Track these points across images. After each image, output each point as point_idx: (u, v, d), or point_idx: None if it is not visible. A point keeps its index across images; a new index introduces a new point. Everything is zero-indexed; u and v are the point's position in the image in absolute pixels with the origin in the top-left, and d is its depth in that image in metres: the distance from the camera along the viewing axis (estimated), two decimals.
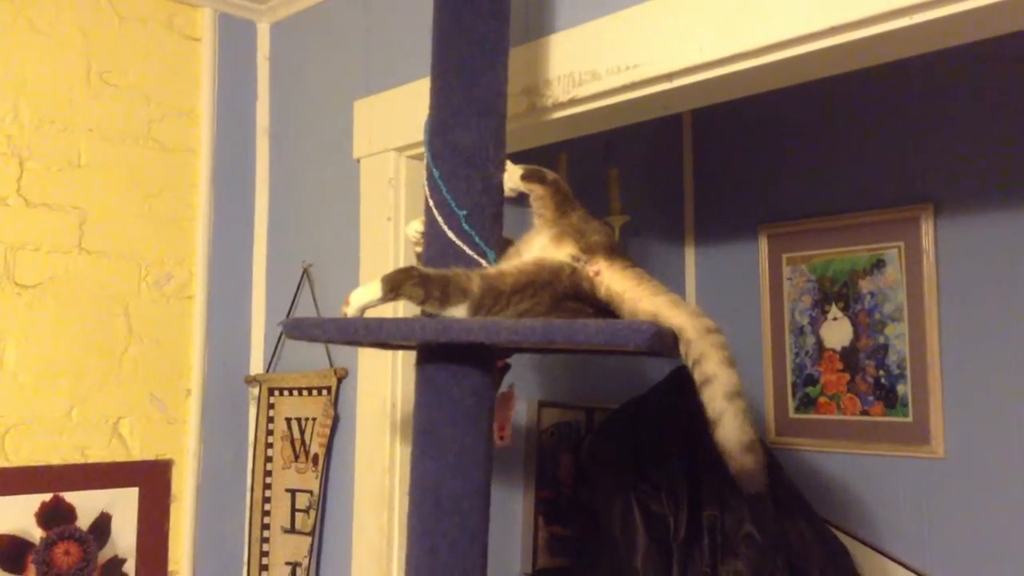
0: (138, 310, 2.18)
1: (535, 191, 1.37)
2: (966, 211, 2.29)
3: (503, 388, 1.46)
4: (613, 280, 1.29)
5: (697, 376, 1.20)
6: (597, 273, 1.29)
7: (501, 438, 1.43)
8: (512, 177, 1.39)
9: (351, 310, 1.28)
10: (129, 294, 2.17)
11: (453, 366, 1.32)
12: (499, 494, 1.37)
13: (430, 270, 1.26)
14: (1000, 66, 2.25)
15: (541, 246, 1.34)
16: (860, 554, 2.30)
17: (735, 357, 1.19)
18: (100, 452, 2.10)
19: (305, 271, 2.24)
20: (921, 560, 2.28)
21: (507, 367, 1.50)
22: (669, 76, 1.47)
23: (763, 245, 2.67)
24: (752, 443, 1.17)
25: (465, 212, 1.35)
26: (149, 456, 2.17)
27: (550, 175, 1.37)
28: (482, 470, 1.33)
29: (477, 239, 1.35)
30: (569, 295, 1.28)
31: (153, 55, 2.24)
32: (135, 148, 2.20)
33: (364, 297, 1.28)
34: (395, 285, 1.25)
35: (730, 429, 1.16)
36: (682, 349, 1.23)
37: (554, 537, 2.29)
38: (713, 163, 2.84)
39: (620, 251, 1.32)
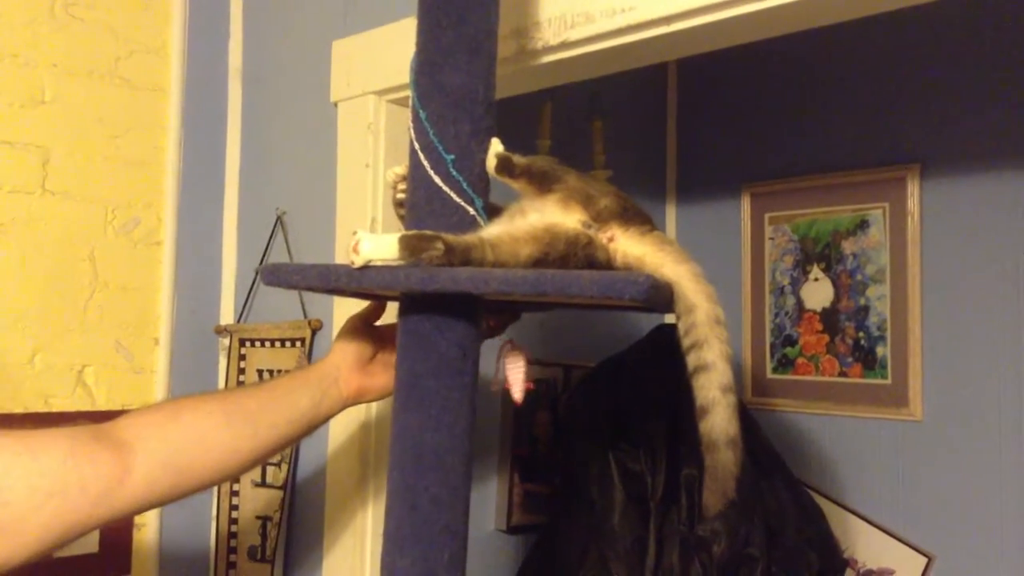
0: (104, 255, 2.10)
1: (511, 184, 1.30)
2: (952, 173, 2.27)
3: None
4: (630, 245, 1.22)
5: (693, 359, 1.17)
6: (611, 239, 1.23)
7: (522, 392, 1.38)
8: (490, 166, 1.30)
9: (360, 259, 1.21)
10: (95, 238, 2.09)
11: (438, 317, 1.27)
12: (474, 450, 1.33)
13: (452, 240, 1.18)
14: (989, 26, 2.21)
15: (544, 208, 1.26)
16: (836, 515, 2.30)
17: None
18: (64, 401, 2.03)
19: (279, 218, 2.17)
20: (896, 522, 2.29)
21: None
22: (667, 19, 1.41)
23: (746, 204, 2.64)
24: (735, 439, 1.16)
25: (453, 157, 1.29)
26: (115, 406, 2.10)
27: (518, 166, 1.26)
28: (466, 424, 1.29)
29: (465, 185, 1.29)
30: (583, 268, 1.22)
31: None
32: (101, 85, 2.10)
33: (378, 253, 1.19)
34: (416, 252, 1.17)
35: (720, 420, 1.15)
36: (682, 326, 1.19)
37: (529, 494, 2.26)
38: (697, 120, 2.79)
39: (635, 213, 1.26)
